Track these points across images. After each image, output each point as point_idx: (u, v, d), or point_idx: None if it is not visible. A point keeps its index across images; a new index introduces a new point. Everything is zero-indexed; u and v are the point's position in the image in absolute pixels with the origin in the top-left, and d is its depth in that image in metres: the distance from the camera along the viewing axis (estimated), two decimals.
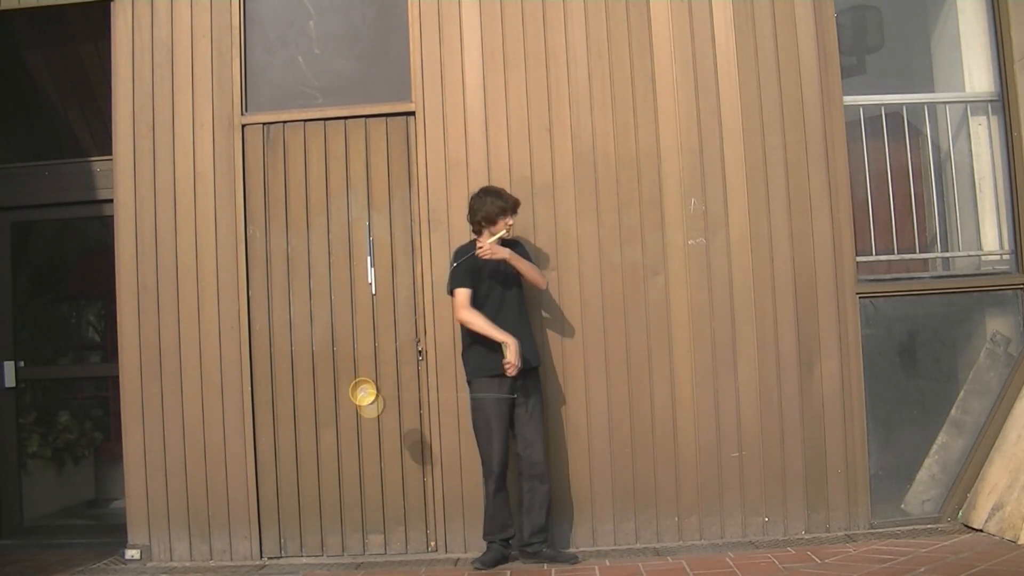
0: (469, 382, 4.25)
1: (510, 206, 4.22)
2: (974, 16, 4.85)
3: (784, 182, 4.51)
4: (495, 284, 4.21)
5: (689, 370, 4.47)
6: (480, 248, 4.13)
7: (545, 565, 4.13)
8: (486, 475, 4.17)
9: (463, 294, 4.15)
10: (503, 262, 4.18)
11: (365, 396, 4.20)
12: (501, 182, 4.52)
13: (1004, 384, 4.56)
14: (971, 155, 4.84)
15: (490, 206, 4.20)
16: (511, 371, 4.05)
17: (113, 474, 5.40)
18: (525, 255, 4.29)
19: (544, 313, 4.52)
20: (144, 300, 4.63)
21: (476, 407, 4.20)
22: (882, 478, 4.51)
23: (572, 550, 4.34)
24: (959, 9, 4.87)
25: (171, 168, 4.67)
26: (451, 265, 4.24)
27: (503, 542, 4.19)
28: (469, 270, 4.17)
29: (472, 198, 4.29)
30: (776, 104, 4.54)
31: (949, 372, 4.74)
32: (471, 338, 4.21)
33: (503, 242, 4.20)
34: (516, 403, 4.18)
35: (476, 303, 4.16)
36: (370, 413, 4.30)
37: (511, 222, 4.21)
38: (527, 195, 4.51)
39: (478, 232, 4.27)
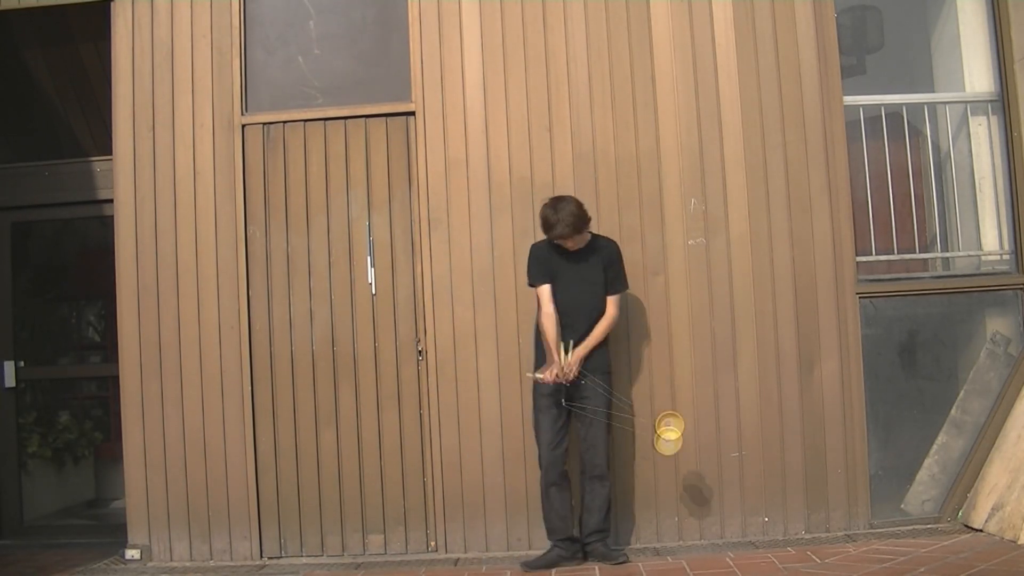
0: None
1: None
2: (974, 16, 4.85)
3: (784, 182, 4.52)
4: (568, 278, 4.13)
5: (689, 370, 4.47)
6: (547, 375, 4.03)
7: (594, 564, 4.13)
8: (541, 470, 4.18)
9: (546, 291, 4.08)
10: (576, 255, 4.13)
11: (670, 431, 4.09)
12: (501, 182, 4.54)
13: (1004, 384, 4.55)
14: (971, 155, 4.84)
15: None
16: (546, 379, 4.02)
17: (113, 474, 5.41)
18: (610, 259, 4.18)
19: None
20: (144, 300, 4.63)
21: (533, 401, 4.21)
22: (882, 478, 4.51)
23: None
24: (959, 9, 4.87)
25: (171, 168, 4.67)
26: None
27: (560, 542, 4.14)
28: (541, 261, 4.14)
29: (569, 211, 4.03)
30: (776, 104, 4.54)
31: (949, 372, 4.74)
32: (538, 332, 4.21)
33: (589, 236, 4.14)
34: (577, 403, 4.11)
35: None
36: (667, 450, 4.15)
37: (570, 244, 4.08)
38: (527, 195, 4.52)
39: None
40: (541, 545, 4.38)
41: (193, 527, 4.56)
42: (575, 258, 4.14)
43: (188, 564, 4.53)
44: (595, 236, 4.21)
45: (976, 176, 4.83)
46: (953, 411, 4.60)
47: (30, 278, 5.76)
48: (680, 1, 4.58)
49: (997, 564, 3.67)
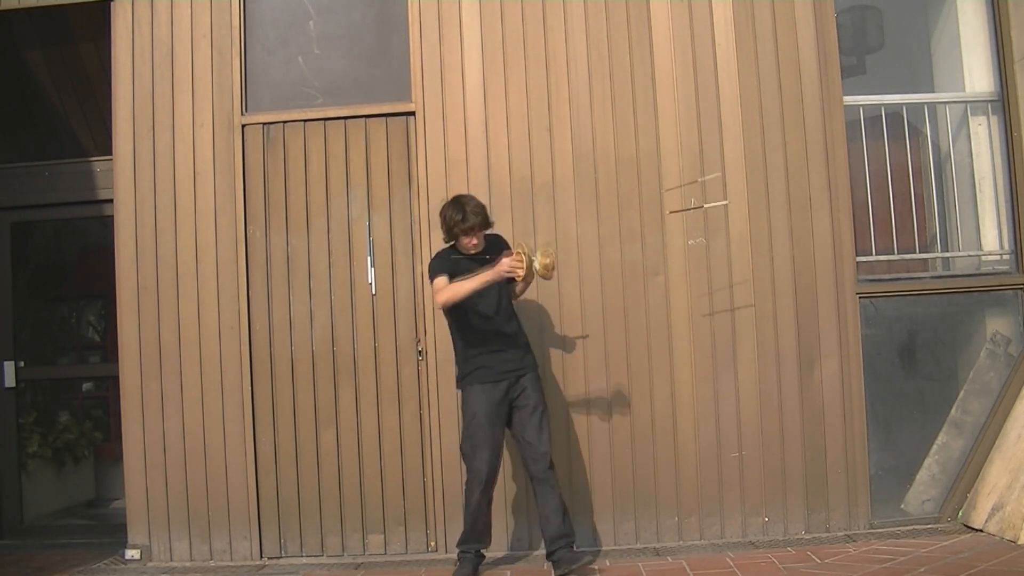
0: (462, 388, 4.05)
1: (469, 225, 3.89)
2: (974, 16, 4.85)
3: (784, 182, 4.52)
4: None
5: (689, 370, 4.47)
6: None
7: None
8: (472, 483, 3.93)
9: (440, 280, 3.87)
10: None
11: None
12: (501, 182, 4.54)
13: (1004, 384, 4.56)
14: (971, 155, 4.84)
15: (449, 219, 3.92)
16: (518, 272, 3.76)
17: (113, 474, 5.41)
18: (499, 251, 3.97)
19: (544, 314, 4.52)
20: (144, 300, 4.63)
21: (467, 413, 3.99)
22: (882, 478, 4.52)
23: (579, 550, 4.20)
24: (959, 9, 4.87)
25: (171, 168, 4.67)
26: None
27: (477, 553, 4.03)
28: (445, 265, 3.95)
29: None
30: (776, 104, 4.54)
31: (949, 372, 4.74)
32: (460, 344, 4.02)
33: (485, 239, 3.98)
34: (515, 407, 3.97)
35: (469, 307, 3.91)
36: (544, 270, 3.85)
37: (475, 242, 3.94)
38: (527, 195, 4.53)
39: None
40: (540, 545, 4.39)
41: (193, 527, 4.56)
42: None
43: (188, 564, 4.53)
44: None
45: (976, 176, 4.83)
46: (953, 411, 4.60)
47: (30, 278, 5.76)
48: (680, 1, 4.58)
49: (997, 564, 3.68)
